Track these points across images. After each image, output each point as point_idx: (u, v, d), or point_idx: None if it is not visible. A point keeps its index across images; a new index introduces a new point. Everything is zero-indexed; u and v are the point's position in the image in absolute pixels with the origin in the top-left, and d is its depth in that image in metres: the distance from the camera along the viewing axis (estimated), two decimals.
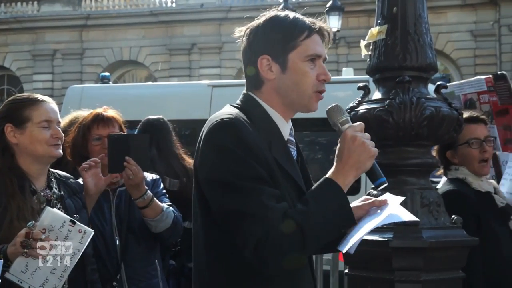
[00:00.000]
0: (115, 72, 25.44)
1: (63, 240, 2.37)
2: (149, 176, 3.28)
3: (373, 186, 2.03)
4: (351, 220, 1.93)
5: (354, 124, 1.98)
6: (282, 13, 2.06)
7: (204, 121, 2.01)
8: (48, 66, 26.49)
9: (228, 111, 2.00)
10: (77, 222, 2.42)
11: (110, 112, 3.26)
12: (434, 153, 3.50)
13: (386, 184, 1.99)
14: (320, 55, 2.03)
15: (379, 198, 2.08)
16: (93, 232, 2.47)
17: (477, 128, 3.48)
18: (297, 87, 2.01)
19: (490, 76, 3.86)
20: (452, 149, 3.49)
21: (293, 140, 2.11)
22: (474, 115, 3.53)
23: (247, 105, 2.04)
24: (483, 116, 3.60)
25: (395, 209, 2.01)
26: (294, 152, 2.09)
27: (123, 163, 2.98)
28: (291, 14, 2.06)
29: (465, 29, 23.27)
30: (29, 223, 2.34)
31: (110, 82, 9.71)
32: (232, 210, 1.85)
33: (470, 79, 4.11)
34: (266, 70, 2.02)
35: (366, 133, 1.96)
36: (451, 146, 3.46)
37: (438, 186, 3.55)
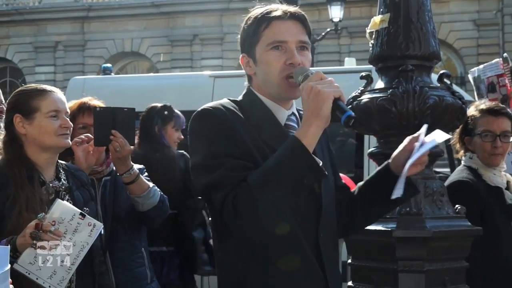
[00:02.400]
0: (117, 63, 25.41)
1: (72, 232, 2.38)
2: (134, 166, 3.28)
3: (343, 124, 1.94)
4: (306, 157, 1.88)
5: (311, 75, 1.96)
6: (258, 9, 2.11)
7: None
8: (50, 58, 26.47)
9: (212, 103, 2.08)
10: (87, 215, 2.43)
11: (96, 102, 3.29)
12: (455, 135, 3.49)
13: (354, 117, 1.89)
14: (282, 41, 2.04)
15: (416, 134, 2.06)
16: (102, 226, 2.48)
17: (495, 121, 3.42)
18: (266, 76, 2.07)
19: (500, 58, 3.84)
20: (469, 136, 3.47)
21: (294, 125, 2.12)
22: (496, 107, 3.48)
23: (243, 96, 2.15)
24: (507, 110, 3.53)
25: (429, 136, 2.03)
26: None
27: (109, 136, 3.00)
28: (262, 8, 2.10)
29: (468, 18, 23.18)
30: (39, 215, 2.34)
31: (112, 74, 9.67)
32: (203, 185, 1.99)
33: (490, 62, 4.07)
34: (246, 67, 2.13)
35: (328, 78, 1.93)
36: (470, 132, 3.44)
37: (454, 173, 3.54)
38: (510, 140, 3.47)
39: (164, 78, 10.30)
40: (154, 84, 8.67)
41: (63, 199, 2.59)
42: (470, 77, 4.28)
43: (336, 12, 17.21)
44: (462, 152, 3.56)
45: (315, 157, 1.91)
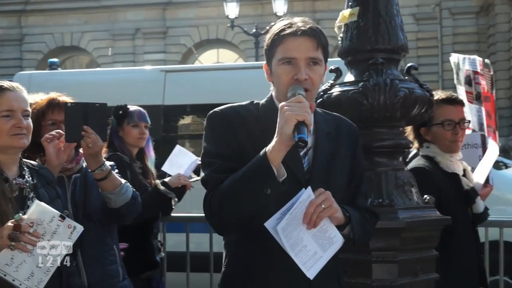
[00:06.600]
0: (57, 58, 24.84)
1: (51, 234, 2.32)
2: (106, 162, 3.22)
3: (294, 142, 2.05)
4: (266, 169, 2.03)
5: (293, 97, 2.11)
6: (280, 23, 2.29)
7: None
8: None
9: (231, 104, 2.31)
10: (66, 217, 2.37)
11: (64, 98, 3.21)
12: (408, 129, 3.55)
13: (304, 143, 2.00)
14: (292, 57, 2.19)
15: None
16: (82, 229, 2.42)
17: (453, 110, 3.54)
18: (278, 87, 2.27)
19: (481, 59, 3.94)
20: (426, 127, 3.54)
21: None
22: (452, 97, 3.58)
23: (266, 98, 2.35)
24: (460, 98, 3.66)
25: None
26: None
27: (80, 132, 2.93)
28: (283, 22, 2.27)
29: (408, 12, 23.64)
30: (16, 215, 2.28)
31: (59, 69, 9.43)
32: (200, 181, 2.27)
33: (470, 56, 4.16)
34: (267, 75, 2.33)
35: (302, 102, 2.05)
36: (425, 123, 3.50)
37: (411, 163, 3.61)
38: (466, 127, 3.60)
39: (114, 73, 10.08)
40: (104, 79, 8.48)
41: (27, 196, 2.53)
42: (451, 60, 4.38)
43: (280, 6, 17.37)
44: (416, 143, 3.63)
45: (278, 169, 2.04)
